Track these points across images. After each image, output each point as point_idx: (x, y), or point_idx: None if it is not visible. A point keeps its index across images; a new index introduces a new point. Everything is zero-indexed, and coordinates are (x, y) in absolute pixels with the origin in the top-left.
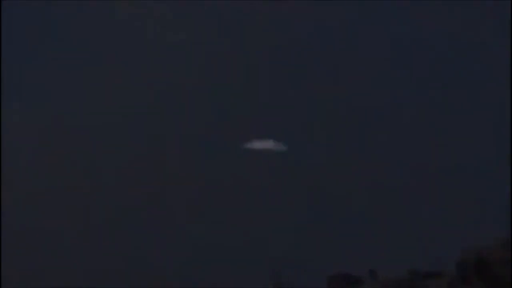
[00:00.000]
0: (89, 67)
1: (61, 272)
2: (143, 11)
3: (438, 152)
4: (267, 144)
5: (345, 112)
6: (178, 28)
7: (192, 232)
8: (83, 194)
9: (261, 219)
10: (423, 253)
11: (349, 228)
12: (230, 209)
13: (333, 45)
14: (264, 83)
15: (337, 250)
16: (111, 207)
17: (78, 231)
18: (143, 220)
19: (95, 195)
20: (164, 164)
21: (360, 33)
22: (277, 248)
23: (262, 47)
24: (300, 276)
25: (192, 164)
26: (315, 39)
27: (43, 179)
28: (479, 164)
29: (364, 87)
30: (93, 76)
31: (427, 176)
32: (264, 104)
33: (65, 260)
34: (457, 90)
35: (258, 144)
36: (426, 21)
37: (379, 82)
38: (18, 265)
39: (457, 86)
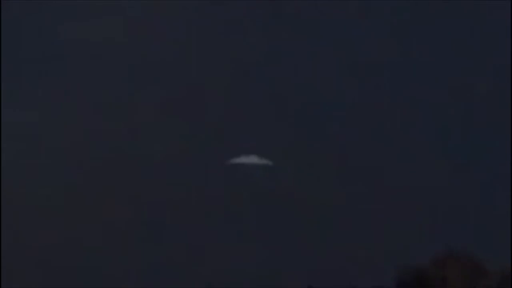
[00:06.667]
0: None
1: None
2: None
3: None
4: (251, 159)
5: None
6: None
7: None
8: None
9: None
10: (362, 270)
11: (287, 242)
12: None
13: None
14: (248, 95)
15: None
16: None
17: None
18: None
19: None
20: (147, 181)
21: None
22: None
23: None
24: None
25: (174, 179)
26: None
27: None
28: (428, 178)
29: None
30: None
31: (372, 189)
32: (247, 117)
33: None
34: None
35: (242, 159)
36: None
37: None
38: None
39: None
